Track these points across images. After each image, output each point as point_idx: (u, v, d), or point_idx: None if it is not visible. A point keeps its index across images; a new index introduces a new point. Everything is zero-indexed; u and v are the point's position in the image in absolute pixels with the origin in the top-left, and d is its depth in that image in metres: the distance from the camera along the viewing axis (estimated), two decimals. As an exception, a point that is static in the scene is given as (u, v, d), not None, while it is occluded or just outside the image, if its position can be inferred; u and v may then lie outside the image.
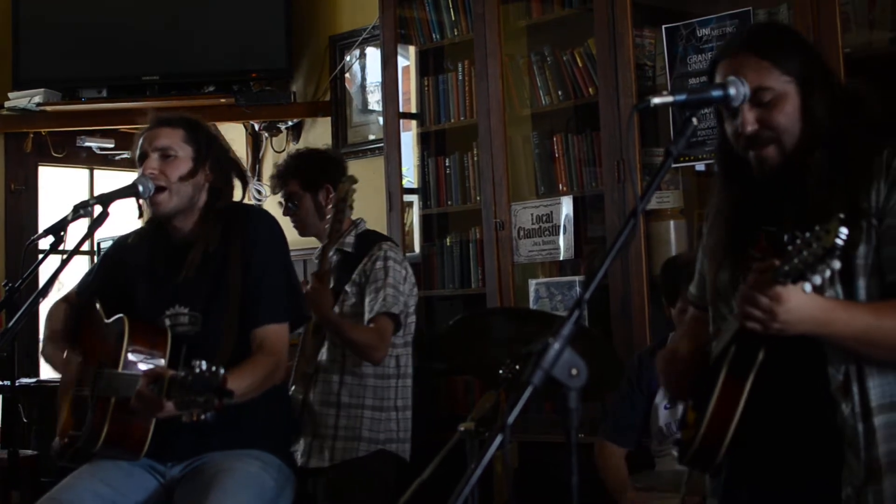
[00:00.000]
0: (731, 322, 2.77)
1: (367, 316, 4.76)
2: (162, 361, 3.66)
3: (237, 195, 4.11)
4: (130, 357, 3.65)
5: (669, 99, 2.55)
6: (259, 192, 7.32)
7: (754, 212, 2.86)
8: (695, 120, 2.54)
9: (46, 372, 7.41)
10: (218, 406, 3.12)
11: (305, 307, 4.04)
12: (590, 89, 5.62)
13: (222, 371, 3.13)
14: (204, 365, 3.12)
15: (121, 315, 3.79)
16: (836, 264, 2.35)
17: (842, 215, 2.33)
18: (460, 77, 6.26)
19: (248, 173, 4.41)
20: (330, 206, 4.78)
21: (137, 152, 3.94)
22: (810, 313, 2.55)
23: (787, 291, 2.47)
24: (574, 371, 2.02)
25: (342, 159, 5.29)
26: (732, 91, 2.65)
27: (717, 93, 2.67)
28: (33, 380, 6.88)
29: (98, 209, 3.62)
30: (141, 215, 4.04)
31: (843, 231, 2.30)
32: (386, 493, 4.76)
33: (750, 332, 2.60)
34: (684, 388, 3.00)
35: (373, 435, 4.83)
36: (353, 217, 5.04)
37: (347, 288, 4.86)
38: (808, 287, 2.40)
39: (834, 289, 2.66)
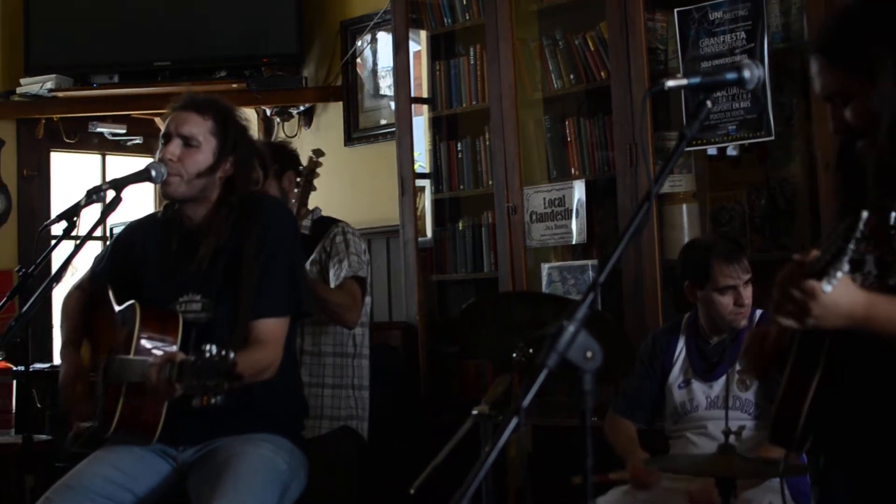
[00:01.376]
0: None
1: (333, 283, 4.81)
2: (174, 347, 3.65)
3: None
4: (142, 343, 3.65)
5: (683, 82, 2.54)
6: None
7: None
8: (709, 103, 2.53)
9: (59, 357, 7.43)
10: (228, 390, 3.13)
11: (307, 302, 4.00)
12: (602, 73, 5.61)
13: (232, 355, 3.13)
14: (214, 349, 3.12)
15: (133, 301, 3.78)
16: (846, 265, 2.32)
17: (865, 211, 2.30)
18: (472, 61, 6.25)
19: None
20: (296, 188, 4.91)
21: (163, 128, 3.91)
22: (848, 309, 2.49)
23: (820, 286, 2.41)
24: (589, 354, 2.02)
25: (295, 150, 5.40)
26: (747, 74, 2.63)
27: (731, 75, 2.65)
28: (47, 365, 6.89)
29: (111, 194, 3.61)
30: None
31: (860, 225, 2.27)
32: (348, 470, 4.82)
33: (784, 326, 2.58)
34: (764, 367, 2.96)
35: (334, 412, 4.91)
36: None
37: (308, 267, 4.88)
38: (826, 286, 2.37)
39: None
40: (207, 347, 3.13)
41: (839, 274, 2.34)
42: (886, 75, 2.63)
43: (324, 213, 5.26)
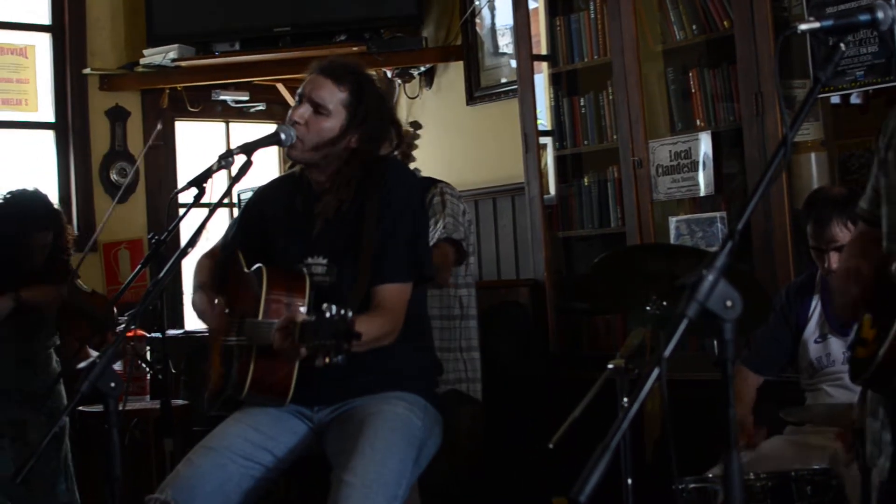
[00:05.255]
0: None
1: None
2: (302, 308, 3.67)
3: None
4: (270, 305, 3.68)
5: (816, 25, 2.49)
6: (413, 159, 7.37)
7: None
8: (842, 46, 2.49)
9: (191, 323, 7.55)
10: (347, 349, 3.14)
11: (430, 267, 3.97)
12: (724, 22, 5.54)
13: (350, 314, 3.15)
14: (333, 309, 3.13)
15: (260, 264, 3.81)
16: None
17: None
18: (592, 15, 6.21)
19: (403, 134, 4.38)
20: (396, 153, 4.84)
21: (300, 88, 3.90)
22: None
23: None
24: (729, 303, 2.00)
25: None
26: (881, 15, 2.58)
27: (864, 17, 2.60)
28: (180, 331, 7.00)
29: (242, 158, 3.63)
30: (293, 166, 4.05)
31: None
32: (460, 432, 4.80)
33: None
34: (862, 306, 2.92)
35: (443, 376, 4.86)
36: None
37: None
38: None
39: None
40: (326, 307, 3.14)
41: None
42: None
43: (444, 176, 5.24)
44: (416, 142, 5.14)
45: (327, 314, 3.13)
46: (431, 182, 5.11)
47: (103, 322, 5.41)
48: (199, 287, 4.07)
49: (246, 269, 3.91)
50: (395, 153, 4.66)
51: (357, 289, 3.71)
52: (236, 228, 4.19)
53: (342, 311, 3.13)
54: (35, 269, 5.41)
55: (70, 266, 5.61)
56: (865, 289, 2.91)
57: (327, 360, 3.16)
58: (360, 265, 3.74)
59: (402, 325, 3.77)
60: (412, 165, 5.17)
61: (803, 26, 2.48)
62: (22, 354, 5.42)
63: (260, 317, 3.65)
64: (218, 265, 4.12)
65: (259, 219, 4.08)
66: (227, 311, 3.90)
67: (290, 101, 6.95)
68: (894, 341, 2.68)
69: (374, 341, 3.61)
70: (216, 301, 3.94)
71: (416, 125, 5.12)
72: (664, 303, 3.76)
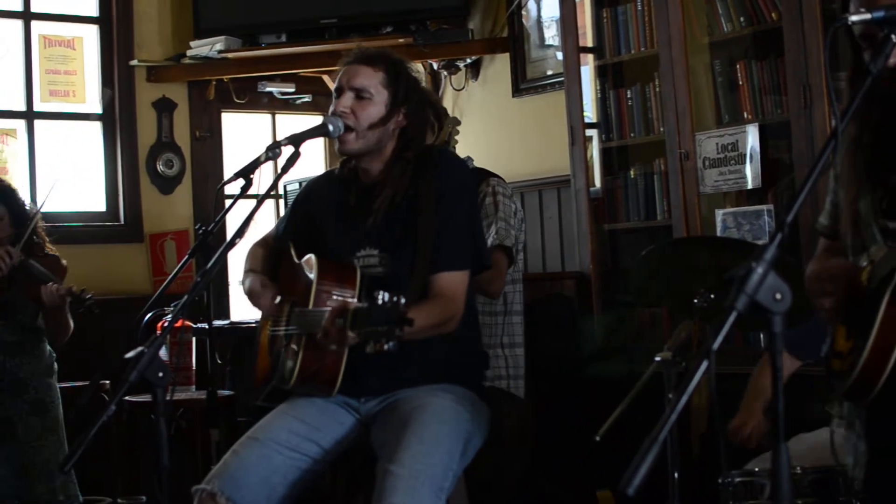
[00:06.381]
0: (892, 250, 2.69)
1: None
2: (352, 298, 3.68)
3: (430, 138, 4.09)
4: (321, 295, 3.68)
5: (867, 16, 2.48)
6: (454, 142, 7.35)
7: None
8: (893, 37, 2.47)
9: (237, 314, 7.58)
10: (399, 335, 3.14)
11: (487, 256, 4.00)
12: (772, 14, 5.50)
13: (403, 300, 3.15)
14: (386, 295, 3.13)
15: (311, 255, 3.82)
16: None
17: None
18: (639, 7, 6.18)
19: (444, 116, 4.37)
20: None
21: (335, 84, 3.93)
22: None
23: None
24: (778, 296, 1.99)
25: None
26: (932, 6, 2.56)
27: (916, 8, 2.58)
28: (226, 322, 7.03)
29: (289, 149, 3.64)
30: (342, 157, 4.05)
31: None
32: (500, 429, 4.76)
33: None
34: (838, 309, 2.88)
35: None
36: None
37: None
38: None
39: None
40: (379, 294, 3.15)
41: None
42: None
43: (490, 168, 5.19)
44: (457, 137, 5.12)
45: (380, 300, 3.14)
46: (483, 175, 5.05)
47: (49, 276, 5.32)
48: (249, 271, 4.09)
49: (296, 260, 3.92)
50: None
51: (416, 278, 3.72)
52: (286, 223, 4.20)
53: (395, 298, 3.13)
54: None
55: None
56: (838, 299, 2.87)
57: (379, 346, 3.16)
58: (418, 255, 3.75)
59: (462, 313, 3.80)
60: (463, 155, 5.14)
61: (853, 18, 2.47)
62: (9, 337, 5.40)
63: (310, 306, 3.66)
64: (271, 253, 4.14)
65: (308, 215, 4.09)
66: (277, 301, 3.91)
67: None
68: (870, 354, 2.66)
69: (434, 328, 3.66)
70: (267, 286, 3.96)
71: (455, 121, 5.07)
72: (712, 295, 3.75)
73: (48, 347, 5.50)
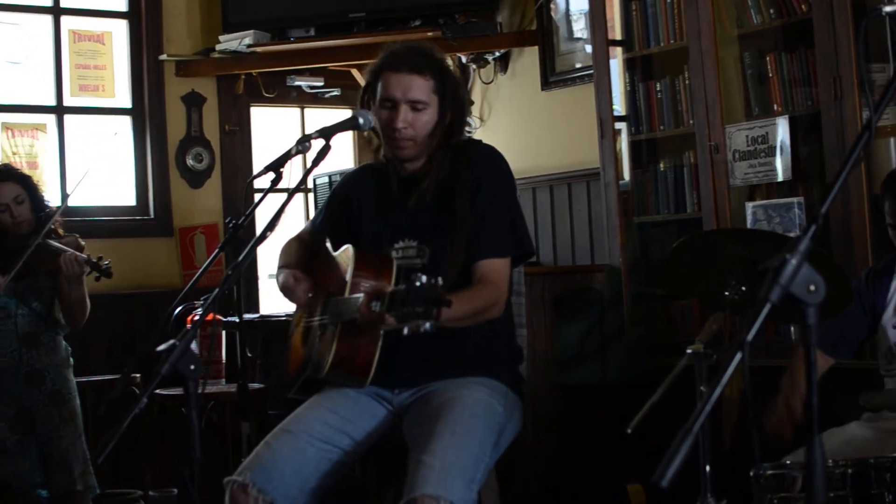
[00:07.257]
0: None
1: None
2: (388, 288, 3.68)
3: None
4: (357, 284, 3.69)
5: (903, 7, 2.48)
6: (469, 125, 7.36)
7: None
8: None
9: (267, 308, 7.60)
10: (437, 315, 3.13)
11: (528, 243, 4.01)
12: (802, 6, 5.48)
13: (440, 281, 3.15)
14: (423, 278, 3.14)
15: (347, 245, 3.85)
16: None
17: None
18: (668, 0, 6.17)
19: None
20: None
21: (380, 90, 3.90)
22: None
23: None
24: (812, 287, 1.98)
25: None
26: (967, -4, 2.55)
27: (950, -1, 2.57)
28: (256, 315, 7.05)
29: (320, 143, 3.65)
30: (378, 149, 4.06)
31: None
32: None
33: None
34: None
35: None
36: None
37: None
38: None
39: None
40: (416, 276, 3.15)
41: None
42: None
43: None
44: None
45: (417, 283, 3.14)
46: None
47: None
48: (283, 267, 4.10)
49: (333, 252, 3.94)
50: None
51: (452, 263, 3.74)
52: (323, 215, 4.22)
53: (432, 280, 3.14)
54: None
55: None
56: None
57: (416, 328, 3.16)
58: (455, 242, 3.77)
59: (506, 299, 3.84)
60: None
61: (887, 9, 2.46)
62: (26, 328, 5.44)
63: (346, 294, 3.67)
64: (306, 249, 4.16)
65: (346, 206, 4.11)
66: (311, 294, 3.93)
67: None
68: None
69: (479, 313, 3.70)
70: (300, 279, 3.97)
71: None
72: (743, 288, 3.74)
73: (63, 341, 5.55)
